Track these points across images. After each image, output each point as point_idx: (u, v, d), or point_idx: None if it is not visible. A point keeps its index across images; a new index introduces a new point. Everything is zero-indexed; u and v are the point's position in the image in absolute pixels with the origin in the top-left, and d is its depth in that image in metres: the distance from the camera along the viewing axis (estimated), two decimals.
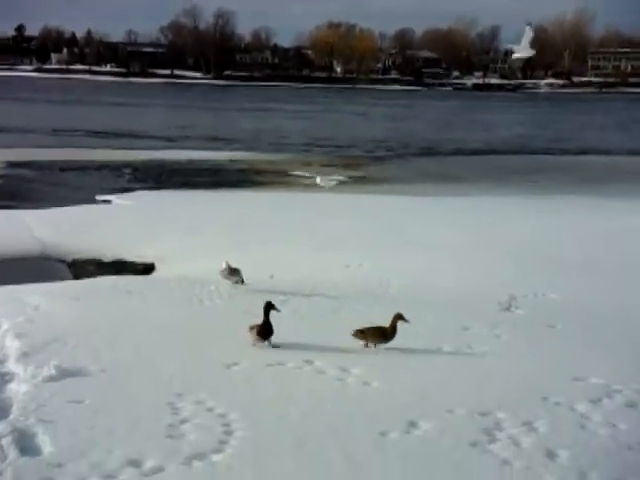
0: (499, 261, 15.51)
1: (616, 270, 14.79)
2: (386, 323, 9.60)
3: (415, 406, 7.66)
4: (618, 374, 8.74)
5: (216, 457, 6.44)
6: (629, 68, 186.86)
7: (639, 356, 9.55)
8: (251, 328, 9.49)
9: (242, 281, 12.90)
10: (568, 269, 14.72)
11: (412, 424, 7.20)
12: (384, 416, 7.37)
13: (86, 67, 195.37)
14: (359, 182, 32.47)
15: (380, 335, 9.46)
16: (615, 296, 12.90)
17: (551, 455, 6.64)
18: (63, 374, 8.20)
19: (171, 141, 48.56)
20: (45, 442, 6.59)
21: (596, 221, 20.92)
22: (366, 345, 9.53)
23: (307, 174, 33.55)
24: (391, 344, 9.74)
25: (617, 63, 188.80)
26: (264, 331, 9.27)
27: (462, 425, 7.22)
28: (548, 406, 7.78)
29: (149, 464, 6.26)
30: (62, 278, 14.86)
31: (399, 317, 9.39)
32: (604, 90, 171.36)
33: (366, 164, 39.51)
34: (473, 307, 11.86)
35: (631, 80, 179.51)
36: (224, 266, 12.85)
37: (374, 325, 9.61)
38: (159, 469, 6.20)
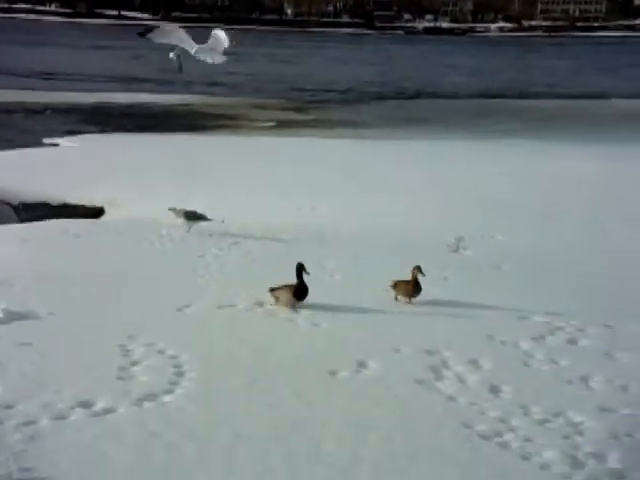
0: (448, 204, 15.67)
1: (560, 213, 15.07)
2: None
3: (363, 346, 7.79)
4: (560, 312, 8.99)
5: (167, 398, 6.50)
6: (577, 12, 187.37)
7: (580, 295, 9.82)
8: (272, 290, 8.94)
9: (198, 217, 12.65)
10: (515, 212, 14.95)
11: (361, 363, 7.34)
12: (333, 356, 7.49)
13: (29, 6, 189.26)
14: (311, 125, 32.30)
15: (406, 290, 9.20)
16: (559, 238, 13.16)
17: (495, 391, 6.85)
18: (11, 317, 8.15)
19: (120, 84, 47.57)
20: None
21: (543, 165, 21.19)
22: (396, 298, 9.33)
23: (259, 118, 33.26)
24: (340, 285, 9.85)
25: (566, 7, 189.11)
26: (300, 292, 8.77)
27: (409, 363, 7.38)
28: (493, 344, 7.99)
29: (100, 405, 6.30)
30: (9, 221, 14.63)
31: (418, 270, 9.12)
32: (552, 34, 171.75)
33: (315, 108, 39.25)
34: (422, 249, 12.01)
35: (579, 24, 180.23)
36: (175, 214, 12.69)
37: (402, 279, 9.33)
38: (110, 410, 6.24)
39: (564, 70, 71.05)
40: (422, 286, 9.18)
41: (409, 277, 9.22)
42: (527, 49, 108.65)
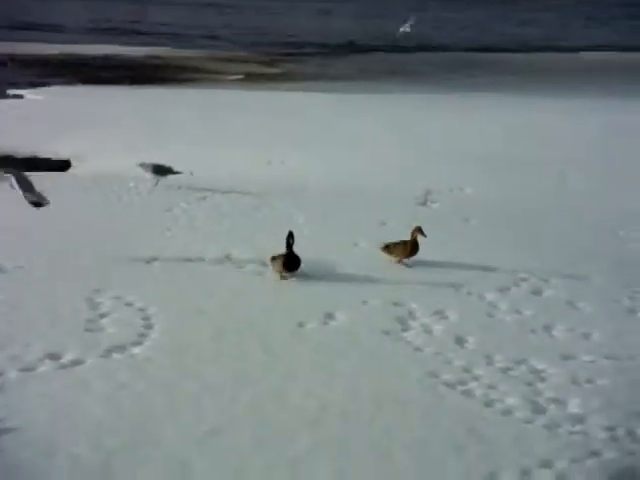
0: (417, 157, 15.70)
1: (526, 166, 15.17)
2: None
3: (331, 298, 7.87)
4: (525, 264, 9.12)
5: (136, 349, 6.55)
6: None
7: (545, 246, 9.95)
8: (273, 258, 8.59)
9: (166, 171, 12.56)
10: (481, 165, 15.02)
11: (328, 315, 7.42)
12: (301, 308, 7.57)
13: None
14: (279, 79, 32.03)
15: (403, 250, 8.98)
16: (525, 190, 13.28)
17: (460, 341, 6.97)
18: None
19: (85, 35, 46.68)
20: None
21: (509, 118, 21.25)
22: (399, 261, 9.09)
23: (228, 71, 32.91)
24: (309, 239, 9.89)
25: None
26: (289, 263, 8.35)
27: (376, 315, 7.48)
28: (459, 296, 8.11)
29: (68, 357, 6.33)
30: None
31: (418, 230, 8.97)
32: None
33: (284, 60, 38.87)
34: (391, 203, 12.06)
35: None
36: (142, 167, 12.58)
37: (397, 241, 9.11)
38: (78, 362, 6.27)
39: (538, 22, 70.83)
40: (392, 240, 9.21)
41: (393, 239, 9.17)
42: (495, 3, 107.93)
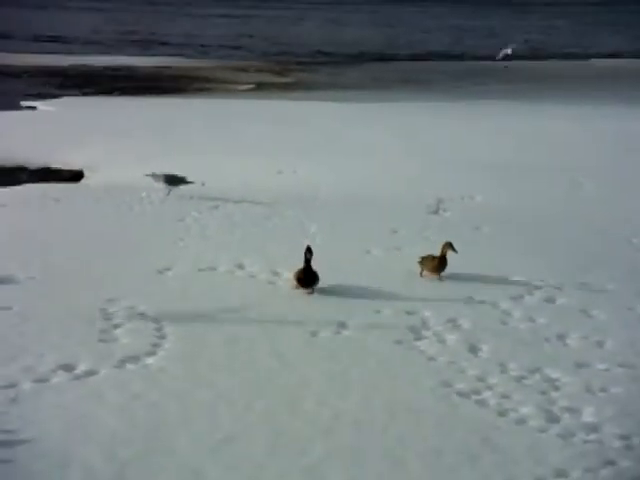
0: (428, 166, 15.69)
1: (537, 174, 15.14)
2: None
3: (344, 307, 7.87)
4: (538, 272, 9.09)
5: (149, 360, 6.56)
6: None
7: (557, 254, 9.92)
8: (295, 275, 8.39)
9: (178, 181, 12.60)
10: (493, 173, 14.99)
11: (341, 324, 7.42)
12: (314, 317, 7.57)
13: None
14: (290, 88, 32.10)
15: (432, 266, 8.83)
16: (536, 198, 13.24)
17: (474, 350, 6.95)
18: None
19: (98, 46, 46.94)
20: None
21: (520, 125, 21.21)
22: (421, 274, 8.94)
23: (239, 80, 33.02)
24: (321, 248, 9.90)
25: None
26: (304, 278, 8.20)
27: (389, 324, 7.47)
28: (472, 304, 8.09)
29: (82, 368, 6.34)
30: None
31: (449, 246, 8.80)
32: None
33: (295, 70, 38.95)
34: (402, 211, 12.05)
35: None
36: (155, 177, 12.62)
37: (430, 255, 8.98)
38: (92, 372, 6.29)
39: (543, 30, 70.78)
40: (405, 248, 9.21)
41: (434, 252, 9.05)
42: (514, 9, 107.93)
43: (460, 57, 46.64)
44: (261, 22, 74.40)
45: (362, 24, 76.55)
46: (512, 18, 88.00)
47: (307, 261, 8.21)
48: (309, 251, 8.23)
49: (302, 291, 8.26)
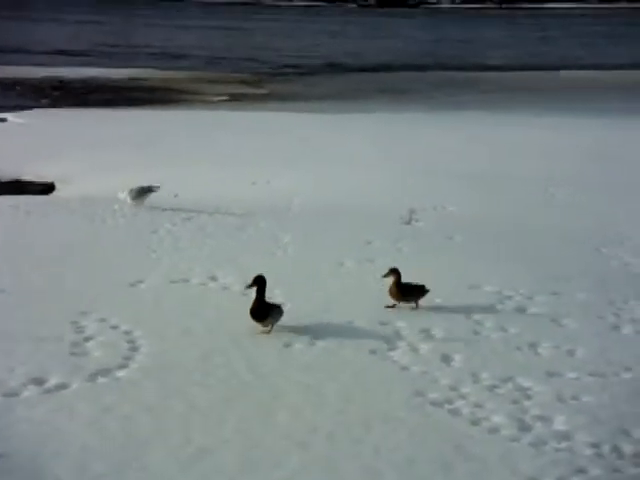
0: (401, 176, 15.76)
1: (510, 183, 15.27)
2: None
3: (318, 318, 7.87)
4: (510, 282, 9.15)
5: (121, 373, 6.51)
6: None
7: (529, 264, 10.00)
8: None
9: (146, 191, 12.55)
10: (465, 183, 15.11)
11: (315, 336, 7.41)
12: (288, 329, 7.55)
13: None
14: (264, 99, 32.15)
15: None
16: (508, 208, 13.36)
17: (446, 359, 6.98)
18: None
19: (69, 57, 46.70)
20: None
21: (492, 135, 21.40)
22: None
23: (212, 92, 33.01)
24: (294, 259, 9.92)
25: None
26: (254, 312, 7.35)
27: (363, 334, 7.49)
28: (444, 314, 8.12)
29: (53, 381, 6.29)
30: None
31: (392, 273, 8.26)
32: (504, 6, 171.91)
33: (269, 81, 39.03)
34: (376, 222, 12.09)
35: None
36: (123, 195, 12.55)
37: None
38: (63, 386, 6.23)
39: (514, 41, 71.55)
40: (378, 259, 9.14)
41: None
42: (479, 23, 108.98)
43: (433, 67, 46.98)
44: (236, 34, 74.50)
45: (336, 35, 76.89)
46: (486, 29, 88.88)
47: (258, 292, 7.35)
48: (256, 281, 7.38)
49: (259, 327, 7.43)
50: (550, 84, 38.81)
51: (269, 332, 7.45)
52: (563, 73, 43.76)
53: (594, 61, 50.44)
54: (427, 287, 8.35)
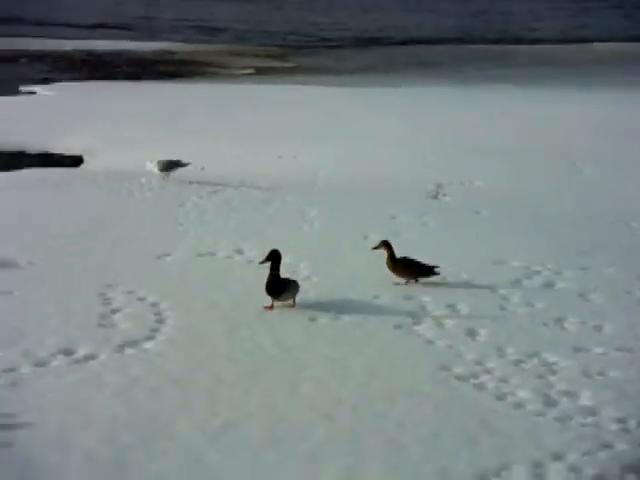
0: (428, 150, 15.67)
1: (537, 159, 15.12)
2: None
3: (343, 293, 7.88)
4: (537, 256, 9.09)
5: (148, 344, 6.57)
6: None
7: (556, 240, 9.92)
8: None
9: (174, 165, 12.58)
10: (493, 158, 14.98)
11: (340, 310, 7.41)
12: (313, 303, 7.57)
13: None
14: (291, 73, 32.01)
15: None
16: (536, 183, 13.24)
17: (472, 334, 6.96)
18: None
19: (98, 30, 46.75)
20: None
21: (522, 111, 21.17)
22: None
23: (238, 65, 32.93)
24: (320, 233, 9.92)
25: None
26: (271, 287, 7.30)
27: (388, 309, 7.48)
28: (471, 289, 8.10)
29: (81, 352, 6.36)
30: None
31: (384, 245, 8.17)
32: None
33: (297, 54, 38.82)
34: (402, 196, 12.05)
35: None
36: (151, 165, 12.61)
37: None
38: (91, 357, 6.31)
39: (545, 14, 70.43)
40: (403, 234, 9.12)
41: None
42: None
43: (466, 41, 46.44)
44: (268, 7, 74.02)
45: (370, 8, 76.14)
46: (515, 2, 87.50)
47: (272, 268, 7.31)
48: (271, 256, 7.34)
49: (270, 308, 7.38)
50: (584, 57, 38.22)
51: (293, 306, 7.45)
52: (597, 45, 43.02)
53: (635, 32, 49.54)
54: (437, 269, 8.17)
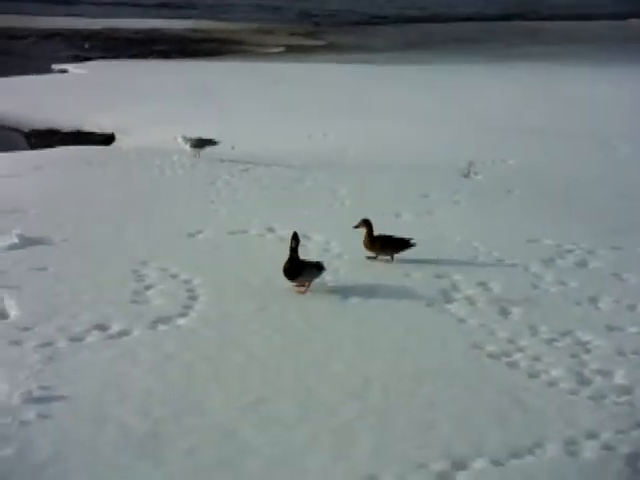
0: (459, 129, 15.55)
1: (571, 137, 14.95)
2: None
3: (374, 271, 7.86)
4: (570, 235, 9.01)
5: (181, 321, 6.62)
6: None
7: (590, 217, 9.82)
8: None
9: (206, 143, 12.65)
10: (526, 136, 14.84)
11: (371, 289, 7.40)
12: (344, 281, 7.57)
13: None
14: (322, 51, 31.86)
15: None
16: (569, 161, 13.10)
17: (504, 313, 6.92)
18: (26, 243, 8.25)
19: (127, 8, 46.83)
20: (11, 307, 6.72)
21: (552, 88, 20.91)
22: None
23: (268, 43, 32.84)
24: (351, 211, 9.90)
25: None
26: (287, 270, 7.22)
27: (419, 288, 7.46)
28: (503, 267, 8.05)
29: (115, 328, 6.42)
30: (20, 148, 14.67)
31: (364, 223, 8.21)
32: None
33: (329, 32, 38.62)
34: (433, 174, 11.98)
35: None
36: (182, 141, 12.70)
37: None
38: (125, 332, 6.36)
39: None
40: (435, 212, 9.07)
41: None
42: None
43: (498, 18, 45.89)
44: None
45: None
46: None
47: (292, 250, 7.23)
48: (294, 239, 7.26)
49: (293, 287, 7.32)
50: (619, 34, 37.60)
51: (304, 292, 7.32)
52: (633, 22, 42.29)
53: None
54: (413, 241, 8.19)
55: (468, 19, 45.08)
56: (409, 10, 50.09)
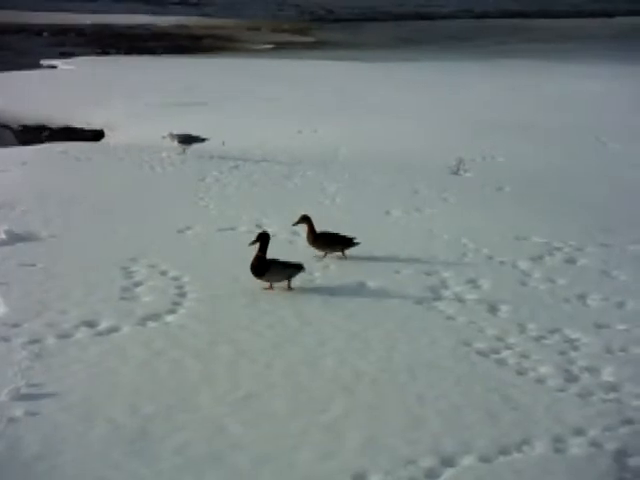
0: (449, 126, 15.57)
1: (560, 134, 14.99)
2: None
3: (364, 268, 7.87)
4: (559, 233, 9.05)
5: (170, 317, 6.60)
6: None
7: (578, 216, 9.86)
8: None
9: (193, 140, 12.63)
10: (515, 133, 14.87)
11: (361, 285, 7.42)
12: (334, 278, 7.57)
13: None
14: (311, 47, 31.83)
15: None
16: (559, 158, 13.14)
17: (493, 310, 6.95)
18: (14, 239, 8.23)
19: (116, 4, 46.63)
20: None
21: (546, 85, 20.97)
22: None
23: (257, 40, 32.79)
24: (341, 208, 9.90)
25: None
26: (254, 267, 7.19)
27: (409, 284, 7.47)
28: (492, 265, 8.07)
29: (104, 324, 6.41)
30: (9, 144, 14.60)
31: (304, 220, 8.12)
32: None
33: (319, 29, 38.59)
34: (423, 171, 12.01)
35: None
36: (169, 137, 12.67)
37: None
38: (114, 329, 6.35)
39: None
40: (424, 209, 9.12)
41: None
42: None
43: (491, 15, 45.98)
44: None
45: None
46: None
47: (260, 249, 7.20)
48: (259, 238, 7.23)
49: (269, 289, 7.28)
50: (606, 32, 37.75)
51: (271, 288, 7.25)
52: (617, 20, 42.50)
53: None
54: (356, 240, 8.13)
55: (444, 17, 45.15)
56: (390, 8, 50.06)
